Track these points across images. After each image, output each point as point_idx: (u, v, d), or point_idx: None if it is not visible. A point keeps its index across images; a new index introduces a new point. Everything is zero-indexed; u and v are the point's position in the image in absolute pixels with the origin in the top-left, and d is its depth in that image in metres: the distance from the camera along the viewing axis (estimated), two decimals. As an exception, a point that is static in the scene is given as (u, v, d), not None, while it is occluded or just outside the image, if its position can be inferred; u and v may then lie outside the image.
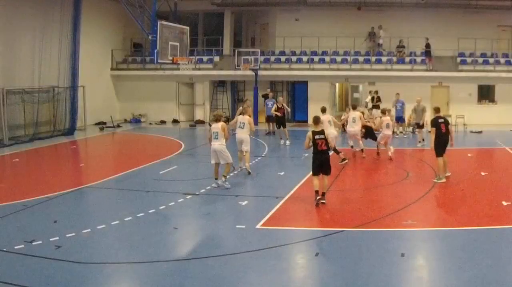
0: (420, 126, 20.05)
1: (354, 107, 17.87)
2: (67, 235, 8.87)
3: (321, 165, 10.72)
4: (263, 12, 30.78)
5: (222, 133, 12.26)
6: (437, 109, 13.48)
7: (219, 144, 12.28)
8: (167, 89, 29.28)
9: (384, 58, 27.72)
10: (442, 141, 13.09)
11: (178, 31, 19.02)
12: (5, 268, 7.51)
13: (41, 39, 22.29)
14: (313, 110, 26.21)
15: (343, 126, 19.38)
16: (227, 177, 12.56)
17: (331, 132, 14.99)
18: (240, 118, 14.21)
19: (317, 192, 10.74)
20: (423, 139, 19.53)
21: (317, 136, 10.67)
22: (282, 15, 29.83)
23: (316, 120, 11.09)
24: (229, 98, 30.19)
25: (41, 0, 22.40)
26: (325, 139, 10.70)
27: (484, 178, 13.69)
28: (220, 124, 12.37)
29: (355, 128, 16.74)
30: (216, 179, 12.56)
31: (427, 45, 26.64)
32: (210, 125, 12.99)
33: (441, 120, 13.18)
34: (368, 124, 17.82)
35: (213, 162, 12.49)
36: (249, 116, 14.37)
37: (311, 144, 10.77)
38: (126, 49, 30.68)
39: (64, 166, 17.22)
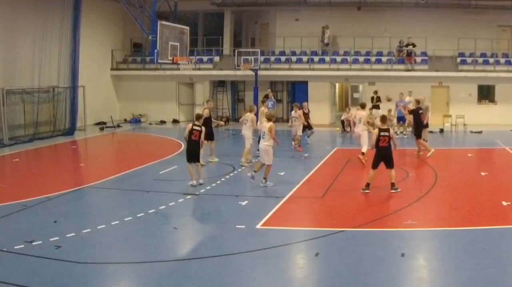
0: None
1: (363, 107, 17.01)
2: (67, 235, 8.87)
3: (381, 159, 11.82)
4: (263, 12, 30.75)
5: (269, 133, 12.36)
6: (418, 101, 17.23)
7: (266, 144, 12.43)
8: (167, 89, 29.25)
9: (384, 58, 27.71)
10: (422, 127, 17.00)
11: (178, 31, 19.00)
12: (5, 268, 7.51)
13: (41, 39, 22.28)
14: (313, 110, 26.18)
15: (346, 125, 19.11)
16: (267, 177, 12.53)
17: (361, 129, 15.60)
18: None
19: (368, 184, 11.84)
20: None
21: (382, 133, 11.76)
22: (282, 15, 29.79)
23: (384, 119, 12.22)
24: (229, 98, 30.18)
25: (41, 0, 22.40)
26: (389, 137, 11.75)
27: (484, 178, 13.69)
28: (269, 124, 12.44)
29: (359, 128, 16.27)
30: (255, 171, 12.75)
31: (413, 45, 26.56)
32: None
33: (421, 111, 16.72)
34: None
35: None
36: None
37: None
38: (126, 49, 30.65)
39: (64, 166, 17.22)
